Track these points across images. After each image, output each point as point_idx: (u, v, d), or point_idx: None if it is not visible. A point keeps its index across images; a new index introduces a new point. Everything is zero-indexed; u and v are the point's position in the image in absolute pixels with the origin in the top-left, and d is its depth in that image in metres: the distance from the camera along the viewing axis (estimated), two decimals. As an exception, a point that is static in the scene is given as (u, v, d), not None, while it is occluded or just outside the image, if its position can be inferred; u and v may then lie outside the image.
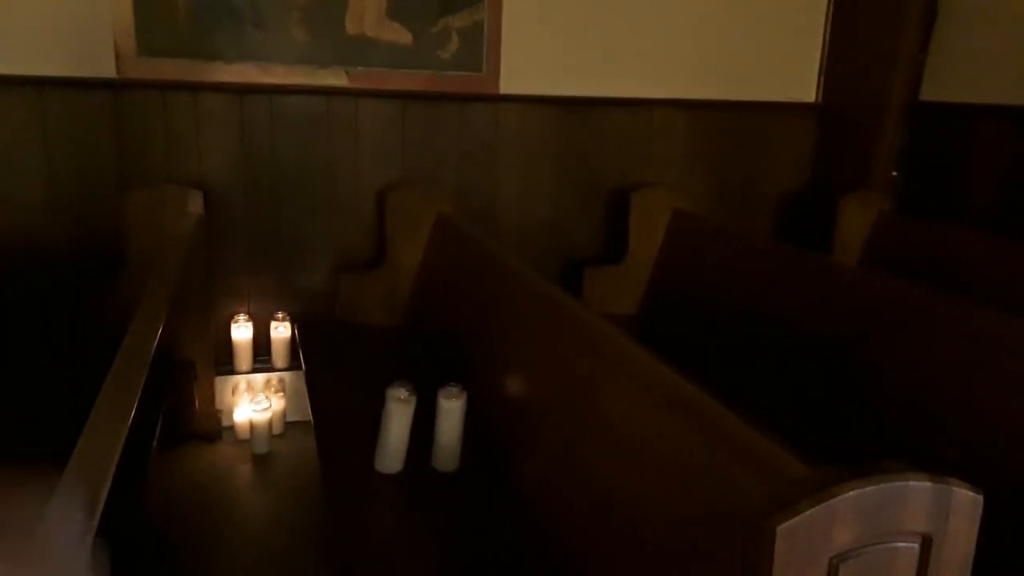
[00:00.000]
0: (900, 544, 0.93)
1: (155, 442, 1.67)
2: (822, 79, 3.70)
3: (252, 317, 3.07)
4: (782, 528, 0.88)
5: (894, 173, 3.50)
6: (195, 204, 2.76)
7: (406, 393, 1.83)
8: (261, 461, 2.87)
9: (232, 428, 3.01)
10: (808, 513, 0.88)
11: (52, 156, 2.84)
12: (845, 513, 0.89)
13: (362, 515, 1.72)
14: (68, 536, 0.80)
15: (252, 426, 2.90)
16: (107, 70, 2.82)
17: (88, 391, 1.58)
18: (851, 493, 0.89)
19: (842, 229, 3.38)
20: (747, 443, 1.12)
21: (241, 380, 3.04)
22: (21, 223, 2.85)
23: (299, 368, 2.91)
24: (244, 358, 3.05)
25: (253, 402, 2.90)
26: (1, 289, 2.83)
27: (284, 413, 3.05)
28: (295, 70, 2.93)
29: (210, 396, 2.98)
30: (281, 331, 3.06)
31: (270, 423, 2.94)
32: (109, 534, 1.17)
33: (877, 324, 2.07)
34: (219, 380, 3.03)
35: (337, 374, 2.42)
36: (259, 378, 3.05)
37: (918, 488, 0.91)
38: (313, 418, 2.14)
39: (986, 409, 1.75)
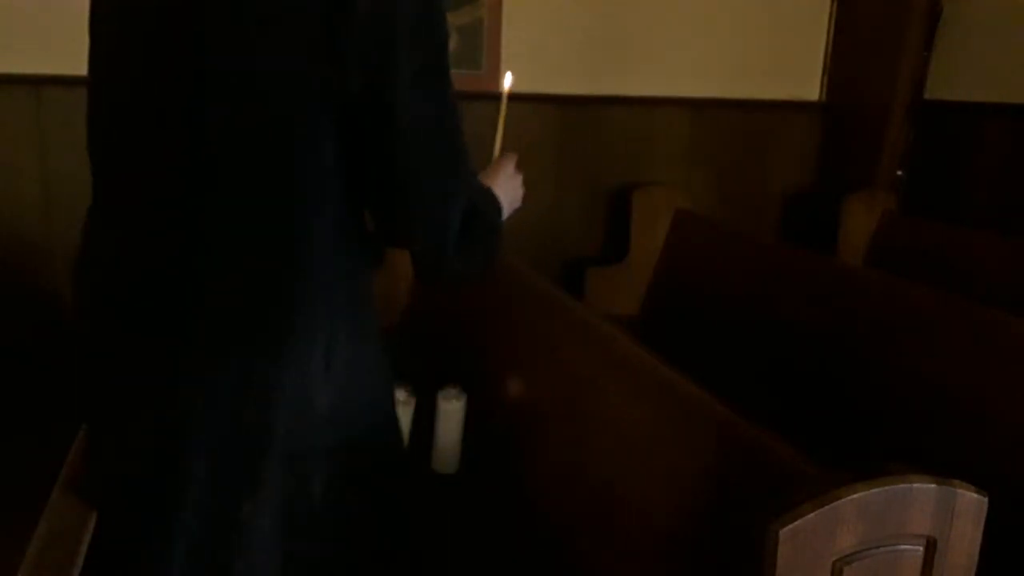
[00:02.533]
0: (904, 547, 0.92)
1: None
2: (826, 77, 3.69)
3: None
4: (785, 531, 0.88)
5: (899, 172, 3.50)
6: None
7: (405, 394, 1.82)
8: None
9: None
10: (811, 516, 0.88)
11: (48, 155, 2.84)
12: (849, 515, 0.89)
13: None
14: None
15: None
16: (105, 69, 2.82)
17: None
18: (855, 495, 0.88)
19: (846, 229, 3.38)
20: (750, 444, 1.12)
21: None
22: (16, 221, 2.85)
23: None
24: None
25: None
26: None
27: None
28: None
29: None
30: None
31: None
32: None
33: (881, 324, 2.06)
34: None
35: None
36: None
37: (922, 490, 0.90)
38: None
39: (992, 410, 1.74)
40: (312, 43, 0.94)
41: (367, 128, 0.98)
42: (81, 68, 3.10)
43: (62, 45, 2.81)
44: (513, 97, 3.29)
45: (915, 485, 0.90)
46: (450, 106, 1.01)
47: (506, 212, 1.26)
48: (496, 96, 3.29)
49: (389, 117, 0.97)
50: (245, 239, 0.99)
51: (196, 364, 1.00)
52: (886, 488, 0.89)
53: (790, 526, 0.88)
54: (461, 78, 3.23)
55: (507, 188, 1.32)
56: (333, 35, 0.93)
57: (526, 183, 1.45)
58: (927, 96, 3.42)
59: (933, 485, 0.91)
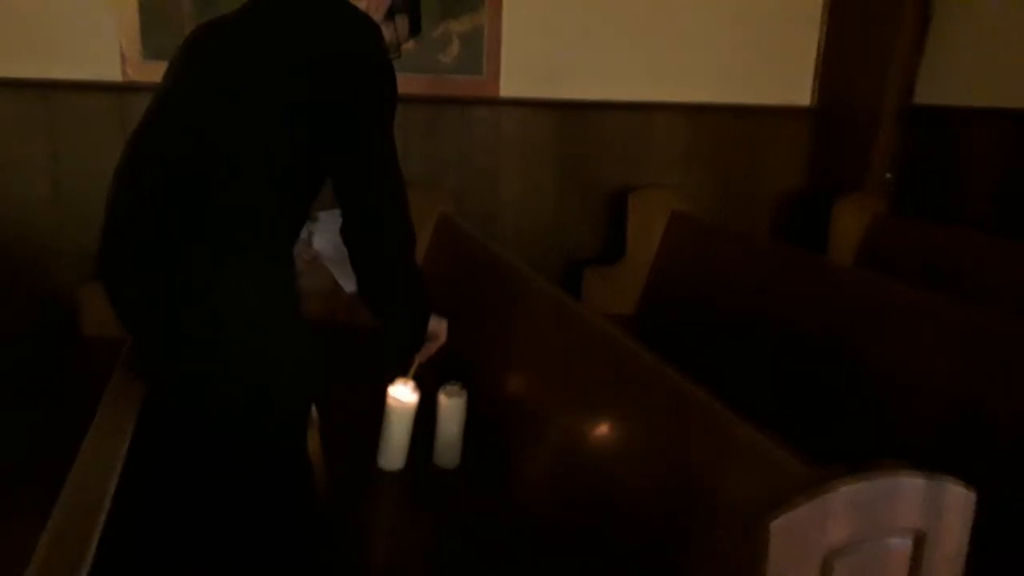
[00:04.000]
0: (893, 540, 0.94)
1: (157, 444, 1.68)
2: (817, 82, 3.71)
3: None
4: (776, 524, 0.89)
5: (888, 175, 3.52)
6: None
7: (406, 391, 1.84)
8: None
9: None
10: (802, 509, 0.89)
11: (59, 158, 2.84)
12: (839, 509, 0.90)
13: (364, 511, 1.73)
14: None
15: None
16: (113, 73, 2.83)
17: (95, 390, 1.60)
18: (845, 489, 0.90)
19: (837, 231, 3.40)
20: (743, 441, 1.13)
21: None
22: (27, 224, 2.86)
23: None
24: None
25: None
26: (5, 288, 2.84)
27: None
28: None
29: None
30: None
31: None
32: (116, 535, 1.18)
33: (872, 324, 2.08)
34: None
35: (339, 372, 2.42)
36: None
37: (911, 485, 0.92)
38: (316, 415, 2.15)
39: (977, 407, 1.76)
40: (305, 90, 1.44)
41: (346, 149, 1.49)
42: (88, 73, 3.12)
43: (71, 51, 2.82)
44: (514, 102, 3.34)
45: (904, 480, 0.91)
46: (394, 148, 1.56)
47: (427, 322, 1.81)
48: (496, 101, 3.33)
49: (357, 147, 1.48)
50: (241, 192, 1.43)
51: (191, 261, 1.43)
52: (876, 482, 0.90)
53: (781, 519, 0.89)
54: (462, 84, 3.28)
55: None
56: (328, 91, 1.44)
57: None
58: (916, 101, 3.44)
59: (922, 480, 0.92)
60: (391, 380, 1.85)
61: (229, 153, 1.43)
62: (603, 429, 1.51)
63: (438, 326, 1.81)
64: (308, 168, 1.50)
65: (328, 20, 1.50)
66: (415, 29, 1.80)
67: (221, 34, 1.55)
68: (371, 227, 1.54)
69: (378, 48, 1.53)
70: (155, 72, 2.87)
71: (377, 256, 1.58)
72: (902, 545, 0.95)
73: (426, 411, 1.87)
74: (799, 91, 3.72)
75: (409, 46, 3.13)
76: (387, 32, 1.68)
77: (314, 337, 1.63)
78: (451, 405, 1.86)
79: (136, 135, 1.53)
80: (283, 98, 1.44)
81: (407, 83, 3.10)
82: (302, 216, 1.58)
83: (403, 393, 1.83)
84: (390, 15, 1.70)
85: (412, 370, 1.84)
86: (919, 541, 0.95)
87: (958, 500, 0.94)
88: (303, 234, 1.77)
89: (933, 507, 0.94)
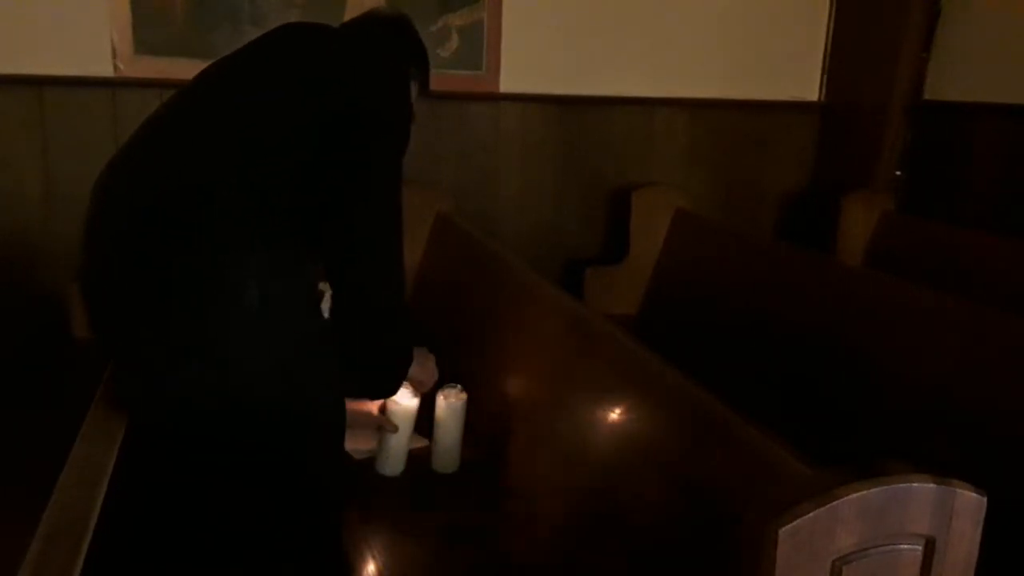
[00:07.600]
0: (903, 546, 0.92)
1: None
2: (825, 78, 3.70)
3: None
4: (784, 530, 0.87)
5: (897, 172, 3.50)
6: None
7: (406, 394, 1.82)
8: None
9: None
10: (811, 515, 0.88)
11: (50, 155, 2.84)
12: (848, 515, 0.88)
13: (362, 517, 1.72)
14: None
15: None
16: (104, 69, 2.82)
17: (87, 391, 1.59)
18: (854, 495, 0.88)
19: (844, 228, 3.38)
20: (749, 444, 1.12)
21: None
22: (18, 221, 2.85)
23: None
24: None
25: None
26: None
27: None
28: (295, 69, 2.92)
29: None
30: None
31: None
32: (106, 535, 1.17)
33: (879, 324, 2.07)
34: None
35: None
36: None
37: (921, 489, 0.90)
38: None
39: (990, 409, 1.75)
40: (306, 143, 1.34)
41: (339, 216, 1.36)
42: (83, 69, 3.10)
43: (65, 46, 2.81)
44: (514, 97, 3.32)
45: (914, 484, 0.90)
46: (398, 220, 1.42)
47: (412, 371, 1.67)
48: (495, 97, 3.31)
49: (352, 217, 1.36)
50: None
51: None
52: (885, 487, 0.89)
53: (789, 525, 0.87)
54: (461, 79, 3.25)
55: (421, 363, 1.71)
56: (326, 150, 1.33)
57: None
58: (926, 96, 3.42)
59: (932, 484, 0.90)
60: None
61: (227, 183, 1.33)
62: (605, 432, 1.50)
63: (423, 371, 1.72)
64: (311, 206, 1.37)
65: (346, 68, 1.41)
66: (425, 89, 1.72)
67: (231, 66, 1.48)
68: (364, 316, 1.42)
69: (401, 110, 1.43)
70: (147, 67, 2.88)
71: (369, 348, 1.46)
72: (912, 551, 0.93)
73: (425, 414, 1.85)
74: (806, 86, 3.70)
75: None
76: None
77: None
78: (450, 408, 1.84)
79: (126, 155, 1.45)
80: (290, 137, 1.35)
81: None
82: (311, 254, 1.44)
83: (403, 397, 1.81)
84: None
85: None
86: (929, 547, 0.93)
87: (969, 505, 0.93)
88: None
89: (944, 512, 0.92)
